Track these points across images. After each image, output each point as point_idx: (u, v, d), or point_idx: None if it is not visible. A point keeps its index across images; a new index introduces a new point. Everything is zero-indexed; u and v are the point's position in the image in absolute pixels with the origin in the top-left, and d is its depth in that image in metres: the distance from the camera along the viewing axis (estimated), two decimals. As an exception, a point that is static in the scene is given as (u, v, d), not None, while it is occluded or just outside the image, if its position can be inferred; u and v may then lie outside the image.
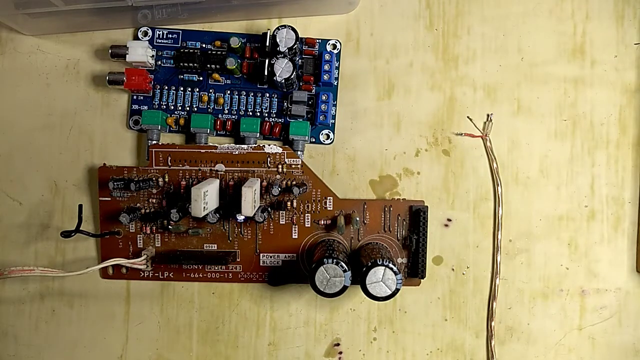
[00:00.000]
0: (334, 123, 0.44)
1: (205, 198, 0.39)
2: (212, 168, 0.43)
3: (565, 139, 0.45)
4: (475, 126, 0.45)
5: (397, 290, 0.38)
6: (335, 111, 0.44)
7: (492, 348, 0.44)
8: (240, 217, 0.41)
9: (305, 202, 0.43)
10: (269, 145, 0.43)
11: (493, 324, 0.44)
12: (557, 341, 0.45)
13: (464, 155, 0.45)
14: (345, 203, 0.43)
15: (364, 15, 0.45)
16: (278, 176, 0.43)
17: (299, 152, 0.43)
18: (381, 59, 0.45)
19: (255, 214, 0.40)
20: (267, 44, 0.42)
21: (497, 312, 0.44)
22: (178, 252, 0.43)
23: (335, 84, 0.44)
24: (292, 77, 0.42)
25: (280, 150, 0.43)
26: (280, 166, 0.43)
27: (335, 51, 0.44)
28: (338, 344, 0.45)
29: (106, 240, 0.44)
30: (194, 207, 0.38)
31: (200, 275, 0.44)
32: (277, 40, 0.42)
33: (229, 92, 0.44)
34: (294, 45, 0.42)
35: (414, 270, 0.43)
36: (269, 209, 0.43)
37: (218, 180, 0.42)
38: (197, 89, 0.44)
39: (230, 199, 0.43)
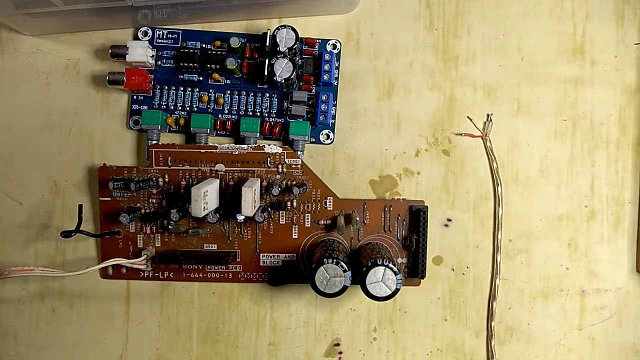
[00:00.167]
0: (334, 123, 0.44)
1: (205, 198, 0.39)
2: (212, 168, 0.43)
3: (565, 139, 0.45)
4: (475, 126, 0.45)
5: (397, 290, 0.38)
6: (335, 111, 0.44)
7: (492, 348, 0.44)
8: (240, 217, 0.41)
9: (305, 202, 0.43)
10: (269, 145, 0.43)
11: (493, 324, 0.44)
12: (557, 341, 0.45)
13: (464, 155, 0.45)
14: (345, 203, 0.43)
15: (364, 15, 0.45)
16: (278, 176, 0.43)
17: (299, 152, 0.43)
18: (381, 59, 0.45)
19: (255, 214, 0.40)
20: (267, 44, 0.42)
21: (497, 312, 0.44)
22: (178, 252, 0.43)
23: (335, 84, 0.44)
24: (292, 77, 0.42)
25: (280, 150, 0.43)
26: (280, 166, 0.43)
27: (335, 51, 0.44)
28: (338, 344, 0.45)
29: (106, 240, 0.44)
30: (194, 207, 0.38)
31: (200, 275, 0.44)
32: (277, 40, 0.42)
33: (229, 92, 0.44)
34: (294, 45, 0.42)
35: (414, 270, 0.43)
36: (269, 209, 0.43)
37: (218, 180, 0.42)
38: (197, 89, 0.44)
39: (230, 199, 0.43)
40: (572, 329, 0.45)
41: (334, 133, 0.44)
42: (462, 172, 0.45)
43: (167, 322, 0.45)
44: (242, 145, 0.43)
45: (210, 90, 0.44)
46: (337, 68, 0.44)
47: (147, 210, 0.43)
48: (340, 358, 0.45)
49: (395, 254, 0.43)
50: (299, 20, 0.44)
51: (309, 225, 0.43)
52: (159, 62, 0.44)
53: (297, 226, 0.43)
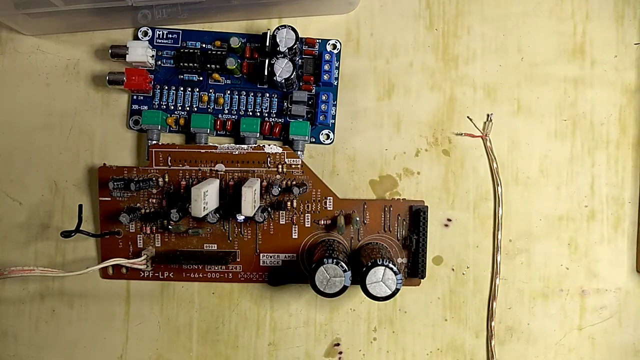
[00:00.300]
0: (334, 123, 0.44)
1: (205, 198, 0.39)
2: (212, 168, 0.43)
3: (565, 139, 0.45)
4: (475, 126, 0.45)
5: (397, 290, 0.38)
6: (335, 111, 0.44)
7: (492, 348, 0.44)
8: (240, 217, 0.41)
9: (305, 202, 0.43)
10: (269, 145, 0.43)
11: (493, 324, 0.44)
12: (557, 341, 0.45)
13: (464, 155, 0.45)
14: (345, 203, 0.43)
15: (364, 15, 0.45)
16: (278, 176, 0.43)
17: (299, 152, 0.43)
18: (381, 59, 0.45)
19: (255, 214, 0.40)
20: (267, 44, 0.42)
21: (497, 312, 0.44)
22: (178, 252, 0.43)
23: (335, 84, 0.44)
24: (292, 77, 0.42)
25: (280, 150, 0.43)
26: (280, 166, 0.43)
27: (335, 51, 0.44)
28: (338, 344, 0.45)
29: (106, 240, 0.44)
30: (194, 207, 0.38)
31: (200, 275, 0.44)
32: (277, 40, 0.42)
33: (229, 92, 0.44)
34: (294, 45, 0.42)
35: (414, 270, 0.43)
36: (269, 209, 0.43)
37: (218, 180, 0.42)
38: (197, 89, 0.44)
39: (230, 199, 0.43)
40: (572, 329, 0.45)
41: (334, 133, 0.44)
42: (462, 172, 0.45)
43: (167, 322, 0.45)
44: (242, 145, 0.43)
45: (210, 90, 0.44)
46: (337, 68, 0.44)
47: (147, 210, 0.43)
48: (340, 358, 0.45)
49: (395, 254, 0.43)
50: (299, 20, 0.44)
51: (309, 225, 0.43)
52: (159, 62, 0.44)
53: (297, 226, 0.43)
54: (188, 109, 0.44)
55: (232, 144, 0.43)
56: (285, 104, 0.44)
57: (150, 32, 0.44)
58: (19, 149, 0.45)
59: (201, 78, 0.44)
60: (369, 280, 0.38)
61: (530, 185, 0.45)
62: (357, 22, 0.45)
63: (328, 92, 0.44)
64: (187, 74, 0.44)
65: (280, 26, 0.42)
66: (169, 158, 0.43)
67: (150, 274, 0.44)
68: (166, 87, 0.44)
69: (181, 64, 0.43)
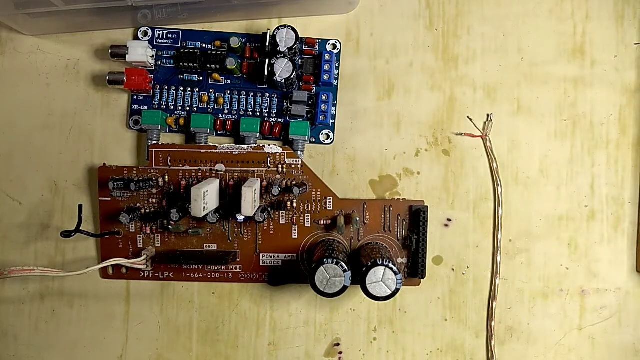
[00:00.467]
0: (334, 123, 0.44)
1: (205, 198, 0.39)
2: (212, 168, 0.43)
3: (565, 139, 0.45)
4: (475, 126, 0.45)
5: (397, 290, 0.38)
6: (335, 111, 0.44)
7: (492, 348, 0.44)
8: (240, 217, 0.41)
9: (305, 202, 0.43)
10: (269, 145, 0.43)
11: (493, 324, 0.44)
12: (557, 341, 0.45)
13: (464, 155, 0.45)
14: (345, 203, 0.43)
15: (364, 15, 0.45)
16: (278, 176, 0.43)
17: (299, 152, 0.43)
18: (381, 59, 0.45)
19: (255, 214, 0.40)
20: (267, 44, 0.42)
21: (497, 312, 0.44)
22: (178, 252, 0.43)
23: (335, 84, 0.44)
24: (292, 77, 0.42)
25: (280, 150, 0.43)
26: (280, 166, 0.43)
27: (335, 51, 0.44)
28: (338, 344, 0.45)
29: (106, 240, 0.44)
30: (194, 207, 0.38)
31: (200, 275, 0.44)
32: (277, 40, 0.42)
33: (229, 92, 0.44)
34: (294, 45, 0.42)
35: (414, 270, 0.43)
36: (269, 209, 0.43)
37: (218, 180, 0.42)
38: (197, 89, 0.44)
39: (230, 199, 0.43)
40: (572, 329, 0.45)
41: (334, 133, 0.44)
42: (462, 172, 0.45)
43: (167, 322, 0.45)
44: (242, 145, 0.43)
45: (210, 90, 0.44)
46: (337, 68, 0.44)
47: (147, 210, 0.43)
48: (340, 358, 0.45)
49: (395, 254, 0.43)
50: (299, 20, 0.44)
51: (309, 225, 0.43)
52: (159, 62, 0.44)
53: (297, 226, 0.43)
54: (188, 109, 0.44)
55: (232, 144, 0.43)
56: (285, 104, 0.44)
57: (150, 32, 0.44)
58: (19, 149, 0.45)
59: (201, 78, 0.44)
60: (369, 280, 0.38)
61: (530, 185, 0.45)
62: (357, 22, 0.45)
63: (328, 92, 0.44)
64: (187, 74, 0.44)
65: (280, 26, 0.42)
66: (169, 158, 0.43)
67: (150, 274, 0.44)
68: (166, 87, 0.44)
69: (181, 64, 0.43)
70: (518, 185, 0.45)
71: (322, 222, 0.43)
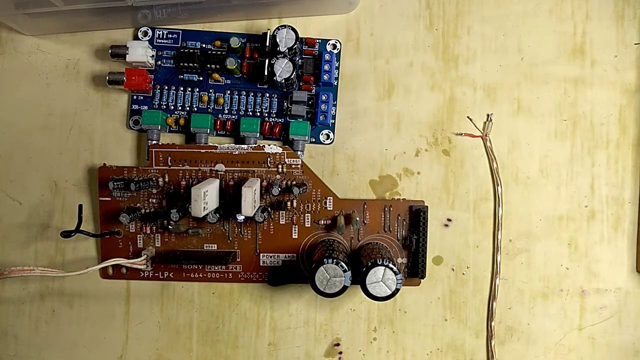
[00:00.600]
0: (334, 123, 0.44)
1: (205, 198, 0.39)
2: (212, 168, 0.43)
3: (565, 139, 0.45)
4: (475, 126, 0.45)
5: (397, 290, 0.38)
6: (335, 111, 0.44)
7: (492, 348, 0.44)
8: (240, 217, 0.41)
9: (305, 202, 0.43)
10: (269, 145, 0.43)
11: (493, 324, 0.44)
12: (557, 341, 0.45)
13: (464, 155, 0.45)
14: (345, 203, 0.43)
15: (364, 15, 0.45)
16: (278, 176, 0.43)
17: (299, 152, 0.43)
18: (381, 59, 0.45)
19: (255, 214, 0.40)
20: (267, 44, 0.42)
21: (497, 312, 0.44)
22: (178, 252, 0.43)
23: (335, 84, 0.44)
24: (292, 77, 0.42)
25: (280, 150, 0.43)
26: (280, 166, 0.43)
27: (335, 51, 0.44)
28: (338, 344, 0.45)
29: (106, 240, 0.44)
30: (194, 207, 0.38)
31: (200, 275, 0.44)
32: (277, 40, 0.42)
33: (229, 92, 0.44)
34: (294, 45, 0.42)
35: (414, 270, 0.43)
36: (269, 209, 0.43)
37: (218, 180, 0.42)
38: (197, 89, 0.44)
39: (230, 199, 0.43)
40: (572, 329, 0.45)
41: (334, 133, 0.44)
42: (462, 172, 0.45)
43: (167, 322, 0.45)
44: (242, 145, 0.43)
45: (210, 90, 0.44)
46: (337, 68, 0.44)
47: (147, 210, 0.43)
48: (340, 358, 0.45)
49: (395, 254, 0.43)
50: (299, 20, 0.44)
51: (309, 225, 0.43)
52: (159, 62, 0.44)
53: (297, 226, 0.43)
54: (188, 109, 0.44)
55: (232, 144, 0.43)
56: (285, 104, 0.44)
57: (150, 32, 0.44)
58: (19, 149, 0.45)
59: (201, 78, 0.44)
60: (369, 280, 0.38)
61: (530, 185, 0.45)
62: (357, 22, 0.45)
63: (328, 92, 0.44)
64: (187, 74, 0.44)
65: (280, 26, 0.42)
66: (169, 158, 0.43)
67: (150, 274, 0.44)
68: (166, 87, 0.44)
69: (181, 64, 0.43)
70: (518, 185, 0.45)
71: (322, 222, 0.43)
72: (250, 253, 0.44)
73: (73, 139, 0.45)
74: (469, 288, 0.45)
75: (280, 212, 0.43)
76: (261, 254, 0.44)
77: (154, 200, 0.43)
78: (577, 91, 0.45)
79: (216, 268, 0.44)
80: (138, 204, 0.43)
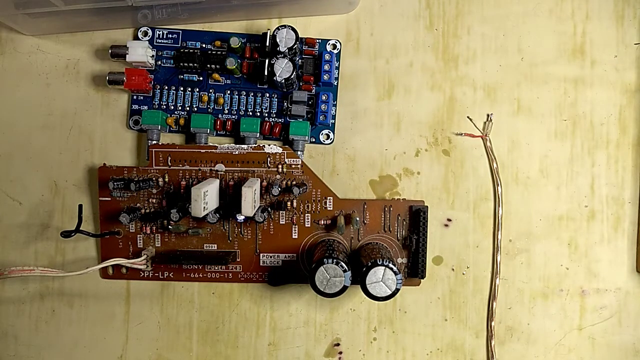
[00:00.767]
0: (334, 123, 0.44)
1: (205, 198, 0.39)
2: (212, 168, 0.43)
3: (565, 139, 0.45)
4: (475, 126, 0.45)
5: (397, 290, 0.38)
6: (335, 111, 0.44)
7: (492, 348, 0.44)
8: (240, 217, 0.41)
9: (305, 202, 0.43)
10: (269, 145, 0.43)
11: (493, 324, 0.44)
12: (557, 341, 0.45)
13: (464, 155, 0.45)
14: (345, 203, 0.43)
15: (364, 15, 0.45)
16: (278, 176, 0.43)
17: (299, 152, 0.43)
18: (381, 59, 0.45)
19: (255, 214, 0.40)
20: (267, 44, 0.42)
21: (497, 312, 0.44)
22: (178, 252, 0.43)
23: (335, 84, 0.44)
24: (292, 77, 0.42)
25: (280, 150, 0.43)
26: (280, 166, 0.43)
27: (335, 51, 0.44)
28: (338, 344, 0.45)
29: (106, 240, 0.44)
30: (194, 207, 0.38)
31: (200, 275, 0.44)
32: (277, 40, 0.42)
33: (229, 92, 0.44)
34: (294, 45, 0.42)
35: (414, 270, 0.43)
36: (269, 209, 0.43)
37: (218, 180, 0.42)
38: (197, 89, 0.44)
39: (230, 199, 0.43)
40: (572, 329, 0.45)
41: (334, 133, 0.44)
42: (462, 172, 0.45)
43: (167, 322, 0.45)
44: (242, 145, 0.43)
45: (210, 90, 0.44)
46: (337, 68, 0.44)
47: (147, 210, 0.43)
48: (340, 358, 0.45)
49: (395, 254, 0.43)
50: (299, 20, 0.44)
51: (309, 225, 0.43)
52: (159, 62, 0.44)
53: (297, 226, 0.43)
54: (188, 109, 0.44)
55: (232, 144, 0.43)
56: (285, 104, 0.44)
57: (150, 32, 0.44)
58: (19, 149, 0.45)
59: (201, 78, 0.44)
60: (369, 280, 0.38)
61: (530, 185, 0.45)
62: (357, 22, 0.45)
63: (328, 92, 0.44)
64: (187, 74, 0.44)
65: (280, 26, 0.42)
66: (169, 158, 0.43)
67: (150, 274, 0.44)
68: (166, 87, 0.44)
69: (181, 64, 0.43)
70: (518, 185, 0.45)
71: (322, 222, 0.43)
72: (250, 253, 0.44)
73: (73, 139, 0.45)
74: (469, 288, 0.45)
75: (280, 212, 0.43)
76: (261, 254, 0.44)
77: (154, 200, 0.43)
78: (577, 91, 0.45)
79: (216, 268, 0.44)
80: (138, 204, 0.43)
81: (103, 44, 0.45)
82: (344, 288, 0.38)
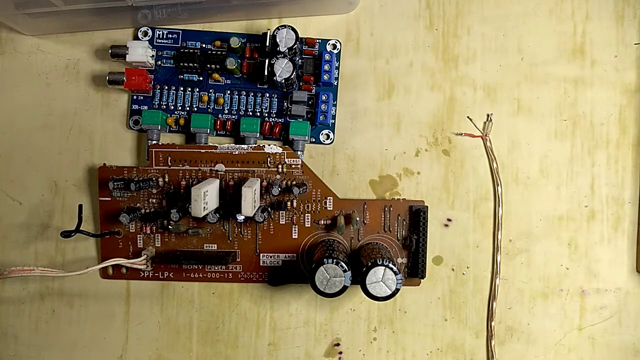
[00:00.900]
0: (334, 123, 0.44)
1: (205, 198, 0.39)
2: (212, 168, 0.43)
3: (565, 139, 0.45)
4: (475, 126, 0.45)
5: (397, 290, 0.38)
6: (335, 111, 0.44)
7: (492, 348, 0.44)
8: (240, 217, 0.41)
9: (305, 202, 0.43)
10: (269, 145, 0.43)
11: (493, 324, 0.44)
12: (557, 341, 0.45)
13: (464, 155, 0.45)
14: (345, 203, 0.43)
15: (364, 15, 0.45)
16: (278, 176, 0.43)
17: (299, 152, 0.43)
18: (381, 59, 0.45)
19: (255, 214, 0.40)
20: (267, 44, 0.42)
21: (497, 312, 0.44)
22: (178, 252, 0.43)
23: (335, 84, 0.44)
24: (292, 77, 0.42)
25: (280, 150, 0.43)
26: (280, 166, 0.43)
27: (335, 51, 0.44)
28: (338, 344, 0.45)
29: (106, 240, 0.44)
30: (194, 207, 0.38)
31: (200, 275, 0.44)
32: (277, 40, 0.42)
33: (229, 92, 0.44)
34: (294, 45, 0.42)
35: (414, 270, 0.43)
36: (269, 209, 0.43)
37: (218, 180, 0.42)
38: (197, 89, 0.44)
39: (230, 199, 0.43)
40: (572, 329, 0.45)
41: (334, 133, 0.44)
42: (462, 172, 0.45)
43: (167, 322, 0.45)
44: (242, 145, 0.43)
45: (210, 90, 0.44)
46: (337, 68, 0.44)
47: (147, 210, 0.43)
48: (340, 358, 0.45)
49: (395, 254, 0.43)
50: (299, 20, 0.44)
51: (309, 225, 0.43)
52: (159, 62, 0.44)
53: (297, 226, 0.43)
54: (188, 109, 0.44)
55: (232, 144, 0.43)
56: (285, 104, 0.44)
57: (150, 32, 0.44)
58: (19, 149, 0.45)
59: (201, 78, 0.44)
60: (369, 280, 0.38)
61: (530, 185, 0.45)
62: (357, 22, 0.45)
63: (328, 92, 0.44)
64: (187, 74, 0.44)
65: (280, 26, 0.42)
66: (169, 158, 0.43)
67: (150, 274, 0.44)
68: (166, 87, 0.44)
69: (181, 64, 0.43)
70: (518, 185, 0.45)
71: (322, 222, 0.43)
72: (250, 253, 0.44)
73: (73, 139, 0.45)
74: (469, 288, 0.45)
75: (280, 212, 0.43)
76: (261, 254, 0.44)
77: (154, 200, 0.43)
78: (577, 91, 0.45)
79: (216, 268, 0.44)
80: (138, 204, 0.43)
81: (103, 44, 0.45)
82: (344, 288, 0.38)
